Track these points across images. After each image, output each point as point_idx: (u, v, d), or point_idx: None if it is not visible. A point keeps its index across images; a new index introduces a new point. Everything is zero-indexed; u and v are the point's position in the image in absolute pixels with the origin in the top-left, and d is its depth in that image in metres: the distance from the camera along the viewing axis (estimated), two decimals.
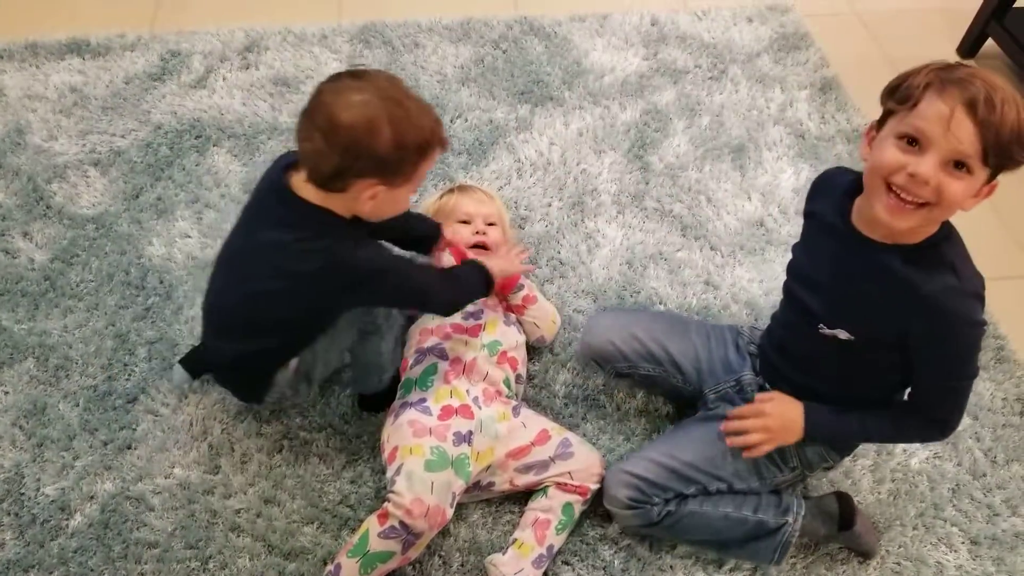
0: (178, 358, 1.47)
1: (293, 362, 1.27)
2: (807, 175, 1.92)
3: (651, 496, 1.24)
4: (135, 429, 1.42)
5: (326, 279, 1.14)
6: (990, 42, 2.25)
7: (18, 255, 1.65)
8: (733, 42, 2.24)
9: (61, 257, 1.65)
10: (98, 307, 1.58)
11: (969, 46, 2.30)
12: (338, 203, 1.15)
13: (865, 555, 1.34)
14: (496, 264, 1.38)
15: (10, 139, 1.86)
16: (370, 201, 1.13)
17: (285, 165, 1.18)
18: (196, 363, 1.48)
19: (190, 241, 1.70)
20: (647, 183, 1.88)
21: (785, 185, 1.90)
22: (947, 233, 1.06)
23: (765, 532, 1.26)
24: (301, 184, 1.14)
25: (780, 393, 1.24)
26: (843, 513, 1.30)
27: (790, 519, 1.26)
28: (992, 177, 1.00)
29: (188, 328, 1.55)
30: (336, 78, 1.11)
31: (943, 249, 1.04)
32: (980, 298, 1.05)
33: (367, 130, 1.06)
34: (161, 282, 1.62)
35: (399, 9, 2.26)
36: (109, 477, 1.36)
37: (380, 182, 1.12)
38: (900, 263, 1.05)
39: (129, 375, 1.49)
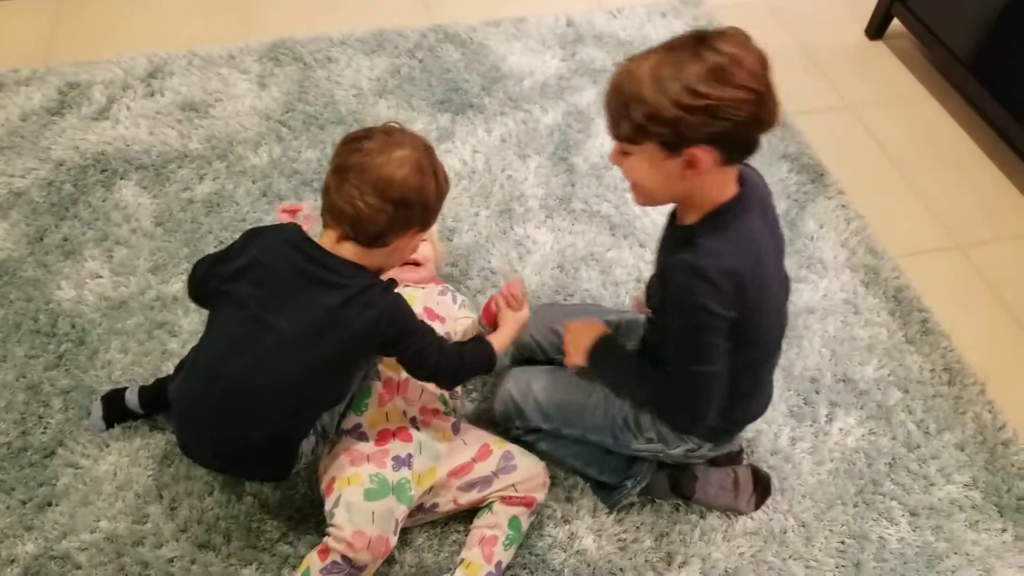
0: (99, 396, 1.42)
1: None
2: None
3: (515, 419, 1.35)
4: (55, 484, 1.35)
5: (379, 331, 1.14)
6: (897, 23, 2.32)
7: None
8: (648, 38, 2.26)
9: None
10: (6, 359, 1.49)
11: (876, 28, 2.37)
12: (374, 259, 1.17)
13: (736, 512, 1.39)
14: (508, 336, 1.35)
15: None
16: (408, 251, 1.21)
17: (304, 237, 1.17)
18: (113, 409, 1.41)
19: (101, 281, 1.62)
20: (573, 185, 1.87)
21: None
22: (711, 216, 1.06)
23: (605, 487, 1.38)
24: (333, 246, 1.15)
25: (601, 324, 1.31)
26: (674, 487, 1.37)
27: (629, 484, 1.35)
28: (668, 147, 0.99)
29: (106, 373, 1.48)
30: (368, 136, 1.15)
31: (698, 229, 1.06)
32: (710, 280, 1.02)
33: (419, 183, 1.13)
34: (73, 327, 1.54)
35: (309, 24, 2.21)
36: (30, 538, 1.29)
37: (419, 230, 1.19)
38: (672, 242, 1.12)
39: (45, 428, 1.41)
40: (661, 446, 1.28)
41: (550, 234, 1.77)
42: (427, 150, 1.17)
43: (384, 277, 1.20)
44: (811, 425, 1.50)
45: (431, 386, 1.36)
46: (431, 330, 1.23)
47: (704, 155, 0.99)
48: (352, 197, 1.11)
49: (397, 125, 1.20)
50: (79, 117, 1.93)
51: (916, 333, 1.66)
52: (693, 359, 1.09)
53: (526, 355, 1.47)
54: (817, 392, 1.55)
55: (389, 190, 1.11)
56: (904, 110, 2.19)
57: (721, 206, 1.06)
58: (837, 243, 1.81)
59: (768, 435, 1.48)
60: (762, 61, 0.97)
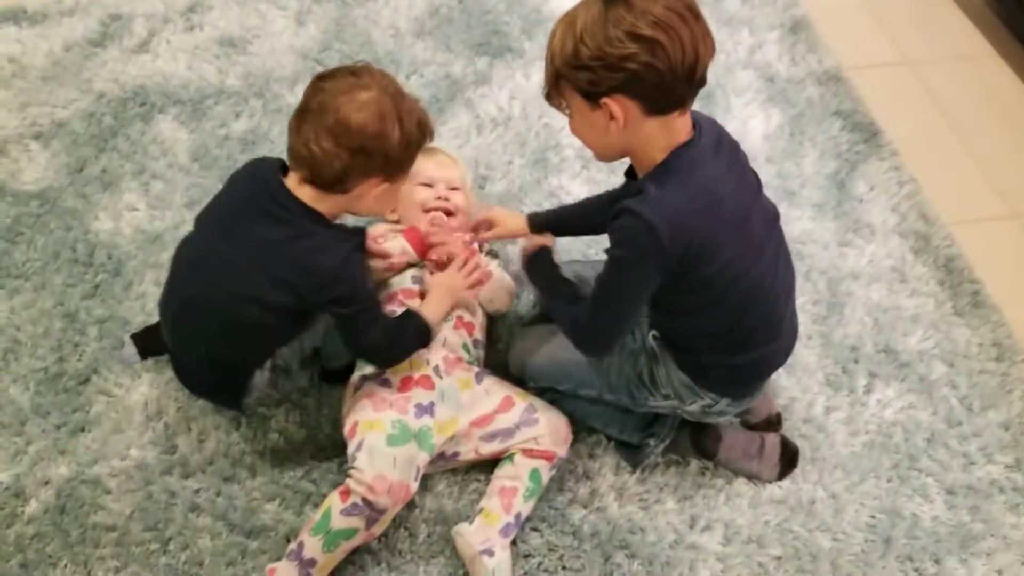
0: (129, 334, 1.43)
1: (268, 361, 1.24)
2: (777, 120, 1.87)
3: (528, 379, 1.36)
4: (88, 411, 1.38)
5: (319, 284, 1.13)
6: None
7: None
8: None
9: (5, 236, 1.59)
10: (45, 286, 1.52)
11: None
12: (334, 204, 1.15)
13: (751, 478, 1.36)
14: (437, 304, 1.31)
15: None
16: (374, 200, 1.16)
17: (273, 169, 1.17)
18: (147, 343, 1.43)
19: (138, 214, 1.64)
20: None
21: (755, 131, 1.84)
22: (657, 168, 1.07)
23: (627, 446, 1.36)
24: (295, 187, 1.14)
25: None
26: (696, 446, 1.35)
27: (652, 443, 1.33)
28: (587, 99, 1.02)
29: (139, 304, 1.50)
30: (333, 76, 1.12)
31: (646, 180, 1.07)
32: (648, 225, 1.02)
33: (379, 129, 1.09)
34: (109, 258, 1.57)
35: None
36: (64, 461, 1.33)
37: (385, 179, 1.14)
38: (623, 196, 1.12)
39: (80, 355, 1.44)
40: (677, 402, 1.25)
41: (585, 186, 1.73)
42: (395, 95, 1.12)
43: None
44: (848, 395, 1.45)
45: (453, 335, 1.35)
46: (375, 305, 1.21)
47: (617, 106, 1.00)
48: (308, 140, 1.09)
49: (364, 64, 1.15)
50: (120, 49, 1.93)
51: (966, 305, 1.59)
52: (601, 287, 1.14)
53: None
54: (856, 361, 1.49)
55: (344, 135, 1.07)
56: (967, 68, 2.06)
57: (667, 156, 1.05)
58: (887, 207, 1.73)
59: (802, 403, 1.44)
60: (673, 7, 0.95)
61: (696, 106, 1.85)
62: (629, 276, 1.10)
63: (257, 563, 1.24)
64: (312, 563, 1.17)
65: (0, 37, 1.94)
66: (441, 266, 1.40)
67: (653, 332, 1.26)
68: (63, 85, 1.85)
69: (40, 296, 1.51)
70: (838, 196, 1.74)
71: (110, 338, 1.46)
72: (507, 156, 1.77)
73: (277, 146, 1.76)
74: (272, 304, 1.14)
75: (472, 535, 1.23)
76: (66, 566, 1.23)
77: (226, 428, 1.37)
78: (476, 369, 1.36)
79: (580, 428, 1.37)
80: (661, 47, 0.95)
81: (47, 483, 1.30)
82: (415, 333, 1.26)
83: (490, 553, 1.21)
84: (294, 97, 1.85)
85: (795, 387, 1.45)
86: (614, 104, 1.00)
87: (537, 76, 1.92)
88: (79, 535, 1.26)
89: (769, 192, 1.69)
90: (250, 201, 1.16)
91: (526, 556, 1.27)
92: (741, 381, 1.24)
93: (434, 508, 1.30)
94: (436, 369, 1.30)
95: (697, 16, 0.98)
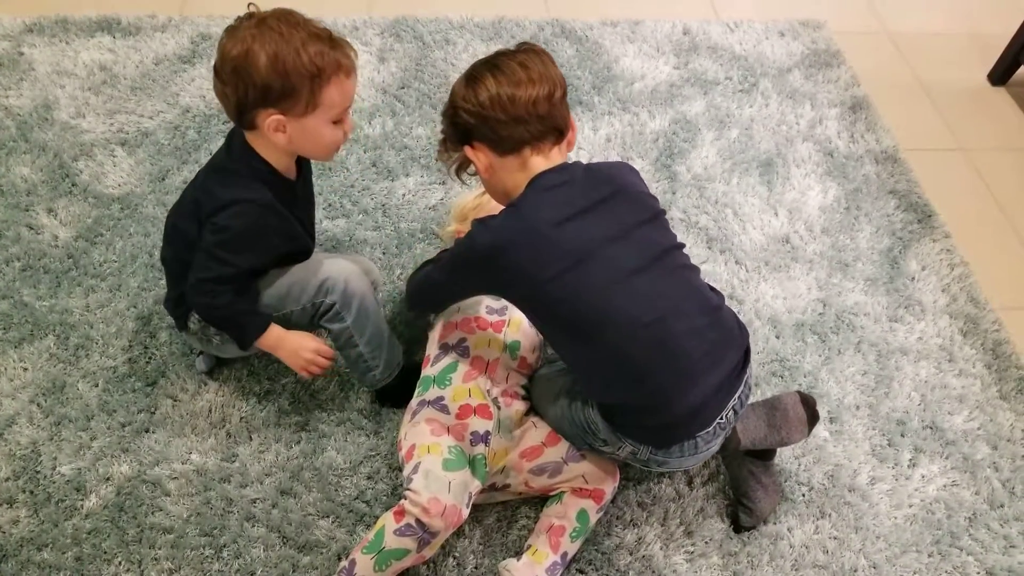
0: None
1: None
2: (835, 193, 1.92)
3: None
4: (154, 412, 1.41)
5: (213, 208, 1.22)
6: (1023, 71, 2.24)
7: (42, 231, 1.65)
8: (764, 56, 2.23)
9: (85, 236, 1.64)
10: (121, 288, 1.57)
11: (1000, 74, 2.29)
12: (262, 146, 1.23)
13: (783, 445, 1.37)
14: (284, 344, 1.33)
15: (38, 114, 1.85)
16: (280, 134, 1.18)
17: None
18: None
19: None
20: (674, 193, 1.87)
21: (812, 202, 1.89)
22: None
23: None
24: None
25: None
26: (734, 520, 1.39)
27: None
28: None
29: None
30: (235, 23, 1.17)
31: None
32: (471, 242, 1.20)
33: (244, 58, 1.12)
34: None
35: (430, 5, 2.26)
36: (126, 459, 1.35)
37: (277, 111, 1.16)
38: None
39: (150, 358, 1.48)
40: (612, 449, 1.24)
41: None
42: (270, 30, 1.12)
43: None
44: (893, 467, 1.48)
45: (515, 375, 1.39)
46: (227, 253, 1.23)
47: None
48: (213, 84, 1.18)
49: (274, 8, 1.17)
50: (208, 68, 2.00)
51: (1011, 390, 1.61)
52: (437, 264, 1.33)
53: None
54: (903, 435, 1.52)
55: (221, 70, 1.14)
56: (1020, 160, 2.12)
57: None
58: (938, 287, 1.77)
59: (847, 470, 1.46)
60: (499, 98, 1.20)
61: (756, 174, 1.93)
62: (448, 262, 1.28)
63: None
64: None
65: (94, 45, 2.02)
66: None
67: None
68: (151, 96, 1.92)
69: (115, 297, 1.56)
70: (890, 272, 1.78)
71: (179, 343, 1.50)
72: None
73: (352, 174, 1.82)
74: (186, 233, 1.27)
75: (519, 571, 1.24)
76: (120, 563, 1.25)
77: (287, 442, 1.40)
78: (529, 403, 1.39)
79: (630, 476, 1.40)
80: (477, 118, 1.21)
81: (108, 480, 1.33)
82: (237, 317, 1.29)
83: None
84: (371, 129, 1.92)
85: (841, 455, 1.48)
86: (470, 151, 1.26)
87: (605, 129, 1.98)
88: (135, 534, 1.28)
89: (823, 262, 1.76)
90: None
91: None
92: (644, 423, 1.19)
93: (483, 539, 1.32)
94: (495, 401, 1.34)
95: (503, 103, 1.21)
